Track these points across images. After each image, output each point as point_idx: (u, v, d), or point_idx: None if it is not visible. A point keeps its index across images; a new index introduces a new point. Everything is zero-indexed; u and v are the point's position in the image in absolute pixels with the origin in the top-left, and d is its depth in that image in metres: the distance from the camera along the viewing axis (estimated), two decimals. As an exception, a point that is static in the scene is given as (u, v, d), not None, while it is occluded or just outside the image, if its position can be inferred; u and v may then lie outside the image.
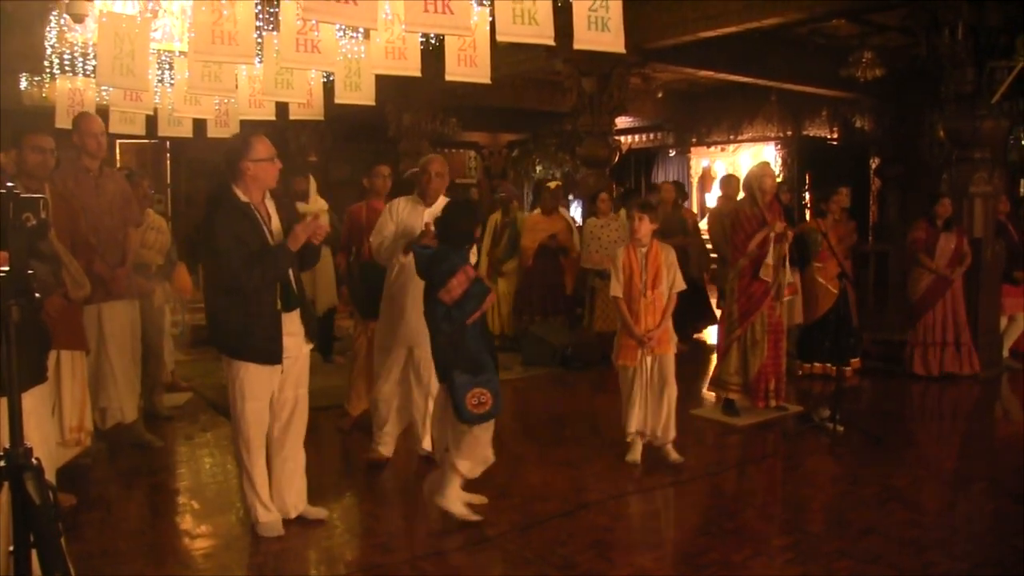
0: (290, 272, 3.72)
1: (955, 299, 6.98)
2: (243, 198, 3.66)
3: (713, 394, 6.05)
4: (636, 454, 4.86)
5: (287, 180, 8.47)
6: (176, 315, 7.54)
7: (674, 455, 4.84)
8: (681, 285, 4.93)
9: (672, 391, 4.83)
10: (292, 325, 3.76)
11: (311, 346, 3.95)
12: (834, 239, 6.77)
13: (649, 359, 4.80)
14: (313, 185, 7.63)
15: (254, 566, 3.61)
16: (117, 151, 12.90)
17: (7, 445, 2.16)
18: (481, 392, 3.80)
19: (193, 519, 4.18)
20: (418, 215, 4.59)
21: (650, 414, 4.82)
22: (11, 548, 2.19)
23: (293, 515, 3.94)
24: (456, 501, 3.94)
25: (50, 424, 3.65)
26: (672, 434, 4.84)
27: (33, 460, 2.17)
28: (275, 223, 3.76)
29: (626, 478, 4.66)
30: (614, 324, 7.62)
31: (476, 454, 3.93)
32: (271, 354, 3.66)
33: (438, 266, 3.83)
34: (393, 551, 3.72)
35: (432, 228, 4.31)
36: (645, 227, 4.78)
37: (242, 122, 7.69)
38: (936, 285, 6.93)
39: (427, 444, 4.82)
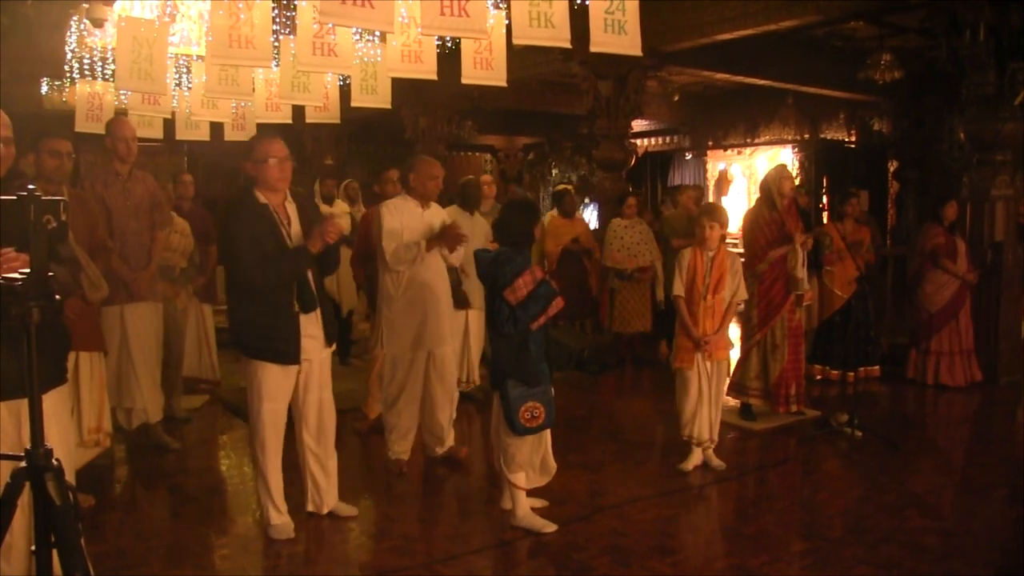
0: (309, 274, 3.74)
1: (968, 305, 6.92)
2: (261, 199, 3.70)
3: (733, 399, 6.01)
4: (691, 462, 4.81)
5: (314, 183, 8.62)
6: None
7: (716, 460, 4.85)
8: (744, 294, 4.92)
9: (723, 398, 4.88)
10: (311, 327, 3.77)
11: (331, 349, 3.98)
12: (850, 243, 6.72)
13: (709, 364, 4.76)
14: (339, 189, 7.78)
15: (271, 568, 3.62)
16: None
17: (28, 446, 2.18)
18: (535, 406, 3.83)
19: (210, 521, 4.19)
20: (416, 217, 4.61)
21: (704, 419, 4.79)
22: (33, 548, 2.20)
23: (325, 511, 4.05)
24: (528, 516, 3.97)
25: (70, 425, 3.67)
26: (716, 439, 4.88)
27: (54, 461, 2.18)
28: (295, 226, 3.77)
29: (642, 482, 4.64)
30: (631, 326, 7.67)
31: (531, 463, 4.01)
32: (288, 355, 3.69)
33: (503, 267, 3.82)
34: (409, 554, 3.71)
35: (455, 226, 4.35)
36: (716, 234, 4.73)
37: (258, 125, 7.75)
38: (961, 292, 6.84)
39: (450, 443, 4.89)
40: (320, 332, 3.82)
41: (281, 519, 3.85)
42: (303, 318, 3.72)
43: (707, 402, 4.78)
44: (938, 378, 6.90)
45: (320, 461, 4.00)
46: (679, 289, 4.77)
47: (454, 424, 5.02)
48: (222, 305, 9.38)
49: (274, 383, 3.73)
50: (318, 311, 3.79)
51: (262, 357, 3.70)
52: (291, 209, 3.80)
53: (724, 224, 4.82)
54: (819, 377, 7.05)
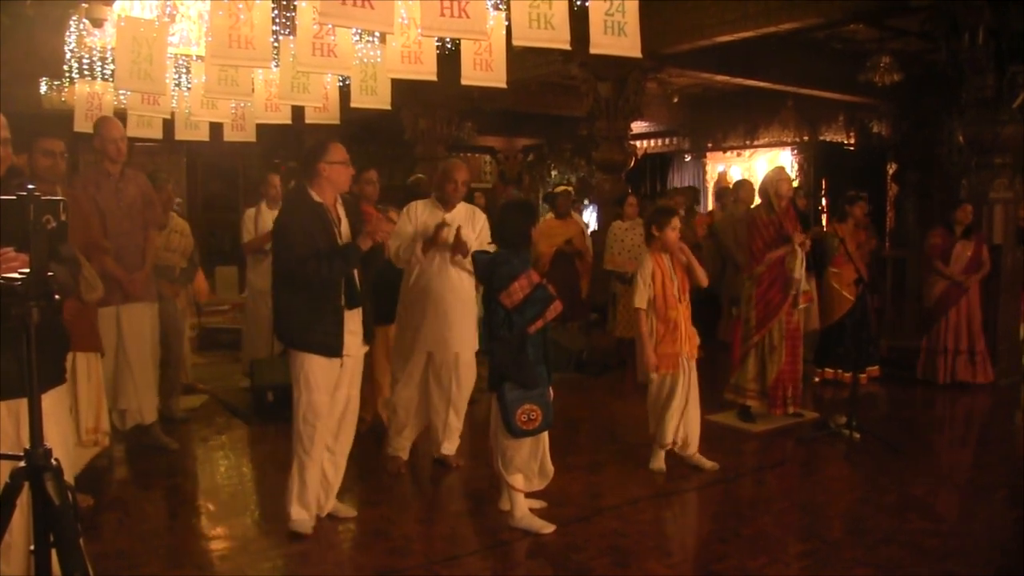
0: (355, 271, 3.83)
1: (971, 307, 6.93)
2: (316, 198, 3.78)
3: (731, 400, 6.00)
4: (662, 462, 4.85)
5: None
6: (192, 318, 7.58)
7: (708, 462, 4.84)
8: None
9: (697, 397, 4.86)
10: (353, 323, 3.85)
11: (367, 348, 4.04)
12: (852, 245, 6.73)
13: (687, 364, 4.77)
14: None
15: (270, 568, 3.61)
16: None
17: (27, 446, 2.17)
18: (532, 408, 3.83)
19: (209, 521, 4.19)
20: (436, 219, 4.63)
21: (683, 422, 4.79)
22: (32, 548, 2.20)
23: (324, 513, 4.04)
24: (526, 517, 3.97)
25: (69, 425, 3.67)
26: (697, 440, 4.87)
27: (53, 461, 2.18)
28: (345, 226, 3.87)
29: (642, 484, 4.64)
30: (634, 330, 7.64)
31: (529, 467, 4.00)
32: (331, 347, 3.76)
33: (499, 269, 3.82)
34: (408, 555, 3.71)
35: (447, 226, 4.35)
36: (676, 235, 4.72)
37: (258, 126, 7.74)
38: (950, 292, 6.88)
39: (445, 449, 4.87)
40: (360, 329, 3.91)
41: (304, 514, 3.86)
42: (347, 313, 3.80)
43: (688, 405, 4.78)
44: (925, 373, 6.99)
45: (334, 459, 4.01)
46: (641, 302, 4.69)
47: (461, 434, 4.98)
48: (223, 306, 9.43)
49: (320, 374, 3.78)
50: (360, 308, 3.87)
51: (307, 349, 3.76)
52: (341, 210, 3.90)
53: (679, 225, 4.81)
54: (817, 379, 7.05)
